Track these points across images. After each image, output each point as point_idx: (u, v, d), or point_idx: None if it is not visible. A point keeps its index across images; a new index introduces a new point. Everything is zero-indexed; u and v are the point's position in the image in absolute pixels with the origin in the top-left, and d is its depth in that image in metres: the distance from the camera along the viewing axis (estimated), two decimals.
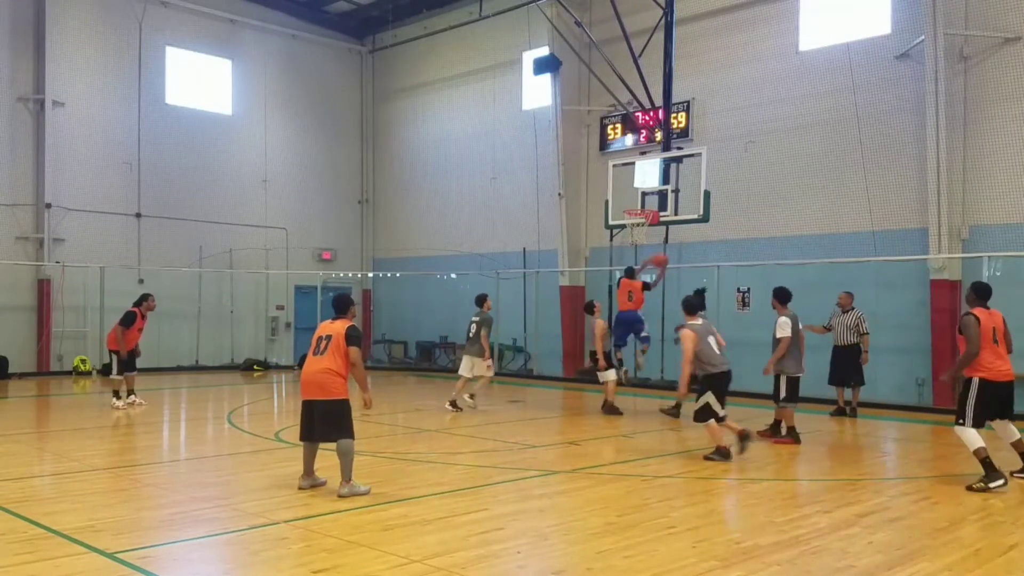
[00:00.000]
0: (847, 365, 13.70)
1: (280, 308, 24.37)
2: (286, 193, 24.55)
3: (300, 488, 7.57)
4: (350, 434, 7.51)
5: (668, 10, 16.45)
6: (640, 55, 17.60)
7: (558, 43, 20.23)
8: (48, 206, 20.19)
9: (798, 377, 10.93)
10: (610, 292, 20.04)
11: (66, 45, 20.58)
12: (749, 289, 17.22)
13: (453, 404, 13.97)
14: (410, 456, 9.71)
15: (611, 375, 13.81)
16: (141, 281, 21.56)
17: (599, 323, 13.97)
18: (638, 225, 14.76)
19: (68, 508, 6.89)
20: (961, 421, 8.03)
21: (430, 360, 23.61)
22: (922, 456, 11.02)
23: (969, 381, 8.02)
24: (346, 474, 7.41)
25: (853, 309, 13.80)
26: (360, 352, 7.61)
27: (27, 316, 20.23)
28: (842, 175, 16.33)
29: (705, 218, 14.30)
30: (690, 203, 14.68)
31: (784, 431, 11.02)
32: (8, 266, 19.32)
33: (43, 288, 20.21)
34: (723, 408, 9.59)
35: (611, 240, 19.24)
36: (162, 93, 22.20)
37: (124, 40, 21.48)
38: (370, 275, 25.84)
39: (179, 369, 21.68)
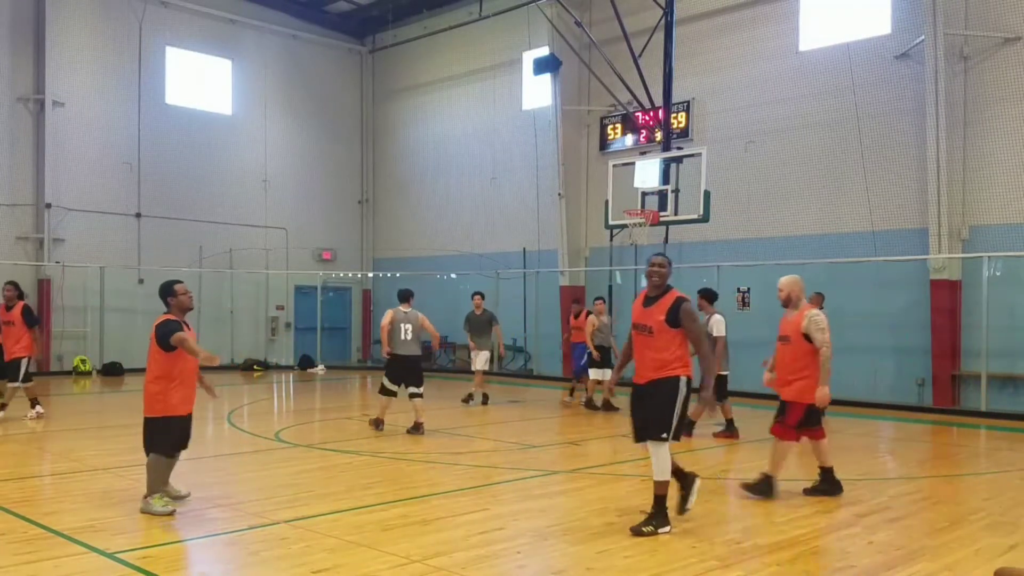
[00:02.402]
0: None
1: (280, 308, 24.37)
2: (286, 193, 24.55)
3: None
4: (157, 449, 6.73)
5: (668, 10, 16.46)
6: (640, 55, 17.61)
7: (558, 43, 20.24)
8: (48, 206, 20.19)
9: (726, 375, 11.35)
10: (611, 292, 20.06)
11: (66, 45, 20.59)
12: (749, 289, 17.22)
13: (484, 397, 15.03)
14: (410, 456, 9.71)
15: (594, 374, 14.12)
16: (141, 281, 21.59)
17: (590, 319, 14.32)
18: (638, 225, 14.78)
19: (68, 508, 6.89)
20: (665, 436, 6.23)
21: (430, 360, 23.58)
22: (922, 456, 11.02)
23: (675, 380, 6.24)
24: (148, 488, 6.78)
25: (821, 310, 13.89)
26: (186, 346, 6.48)
27: None
28: (842, 175, 16.33)
29: (705, 218, 14.32)
30: (690, 203, 14.69)
31: (691, 427, 11.31)
32: (8, 266, 19.29)
33: (43, 288, 20.21)
34: (398, 387, 11.33)
35: (611, 240, 19.25)
36: (162, 93, 22.20)
37: (124, 40, 21.48)
38: (370, 275, 25.84)
39: None
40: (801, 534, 6.22)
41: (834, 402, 14.73)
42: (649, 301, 6.39)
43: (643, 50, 17.68)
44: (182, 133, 22.41)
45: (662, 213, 14.88)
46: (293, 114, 24.84)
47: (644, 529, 6.16)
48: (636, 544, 5.91)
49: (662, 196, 15.07)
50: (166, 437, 6.74)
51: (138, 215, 21.66)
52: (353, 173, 26.31)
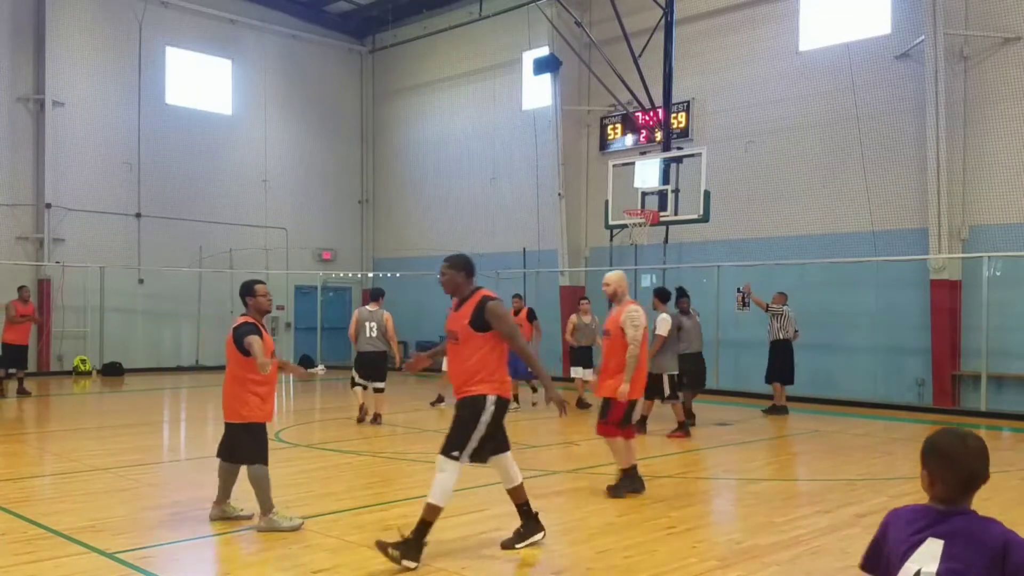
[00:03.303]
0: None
1: (280, 308, 24.35)
2: (286, 193, 24.55)
3: (212, 519, 6.49)
4: (256, 459, 6.34)
5: (668, 10, 16.46)
6: (640, 55, 17.60)
7: (558, 43, 20.23)
8: (48, 206, 20.19)
9: (674, 375, 11.40)
10: None
11: (66, 45, 20.58)
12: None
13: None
14: (410, 456, 9.71)
15: (575, 373, 14.42)
16: (141, 281, 21.60)
17: (571, 318, 14.69)
18: (638, 225, 14.79)
19: (68, 508, 6.89)
20: (456, 453, 5.60)
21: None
22: None
23: (480, 400, 5.55)
24: (262, 505, 6.37)
25: (784, 307, 14.19)
26: (252, 348, 6.14)
27: None
28: (842, 175, 16.32)
29: (705, 218, 14.32)
30: (690, 203, 14.69)
31: (644, 423, 11.48)
32: (8, 266, 19.30)
33: (43, 288, 20.20)
34: (365, 380, 11.99)
35: (611, 240, 19.23)
36: (162, 93, 22.20)
37: (124, 40, 21.48)
38: (370, 275, 25.83)
39: (180, 369, 21.68)
40: (801, 534, 6.22)
41: (835, 402, 14.88)
42: (458, 306, 5.77)
43: (643, 50, 17.67)
44: (182, 133, 22.40)
45: (662, 213, 14.88)
46: (293, 114, 24.84)
47: (390, 551, 5.29)
48: (636, 544, 5.92)
49: (662, 196, 15.07)
50: (259, 443, 6.33)
51: (138, 215, 21.66)
52: (353, 173, 26.31)
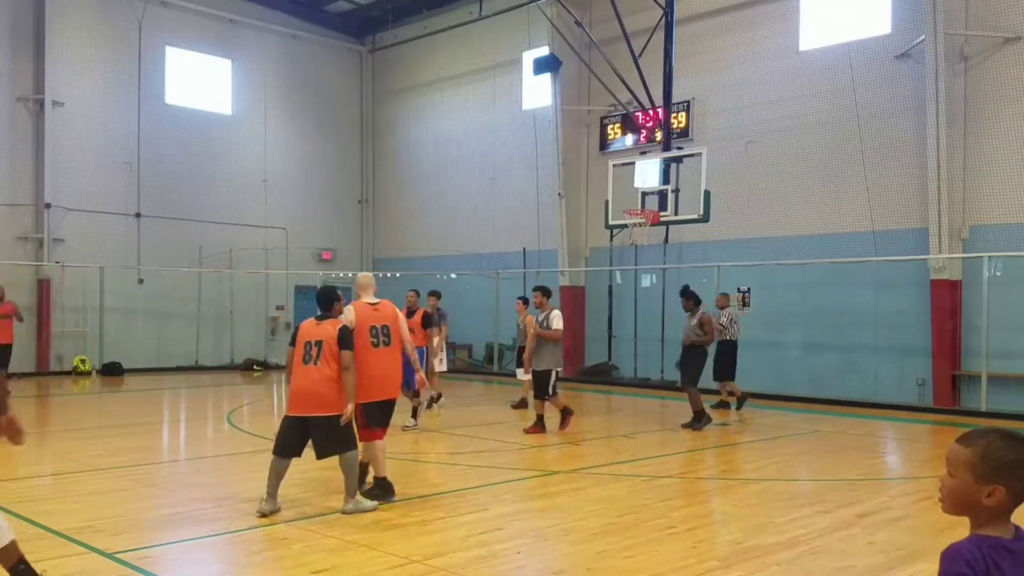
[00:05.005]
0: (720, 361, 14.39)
1: (280, 308, 24.37)
2: (286, 193, 24.54)
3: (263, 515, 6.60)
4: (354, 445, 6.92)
5: (668, 10, 16.45)
6: (640, 55, 17.59)
7: (558, 43, 20.23)
8: (48, 206, 20.18)
9: (559, 371, 11.42)
10: (610, 292, 20.04)
11: (66, 45, 20.58)
12: (749, 289, 17.22)
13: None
14: (410, 456, 9.70)
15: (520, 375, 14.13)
16: (141, 281, 21.59)
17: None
18: (638, 225, 14.79)
19: (68, 508, 6.88)
20: None
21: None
22: (922, 456, 11.01)
23: None
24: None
25: (727, 309, 14.51)
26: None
27: (27, 316, 20.17)
28: (842, 175, 16.33)
29: (705, 218, 14.32)
30: (690, 203, 14.69)
31: (536, 419, 11.40)
32: (8, 266, 19.28)
33: (43, 288, 20.20)
34: None
35: (611, 240, 19.24)
36: (162, 93, 22.20)
37: (124, 40, 21.48)
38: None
39: (179, 369, 21.67)
40: (801, 534, 6.21)
41: (835, 402, 14.86)
42: None
43: (643, 50, 17.66)
44: (182, 133, 22.39)
45: (662, 213, 14.88)
46: (293, 114, 24.83)
47: None
48: (636, 544, 5.91)
49: (662, 196, 15.07)
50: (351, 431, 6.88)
51: (138, 215, 21.66)
52: (353, 173, 26.30)
